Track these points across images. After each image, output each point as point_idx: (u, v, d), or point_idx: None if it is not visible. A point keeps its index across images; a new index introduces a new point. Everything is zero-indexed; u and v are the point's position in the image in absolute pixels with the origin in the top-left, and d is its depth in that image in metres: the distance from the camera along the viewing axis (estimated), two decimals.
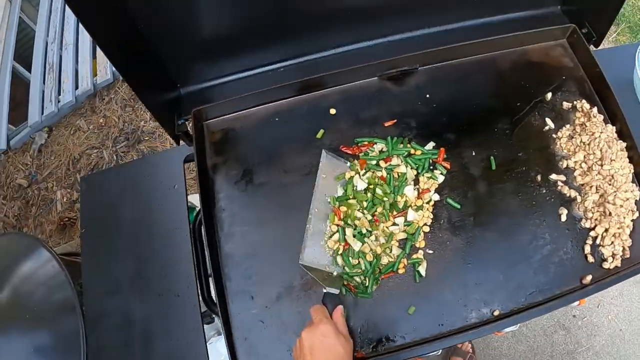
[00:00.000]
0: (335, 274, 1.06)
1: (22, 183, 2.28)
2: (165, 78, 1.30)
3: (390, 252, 1.10)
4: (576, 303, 1.25)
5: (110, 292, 1.19)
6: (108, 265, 1.23)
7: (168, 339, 1.11)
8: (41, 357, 1.33)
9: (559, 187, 1.20)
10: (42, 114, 2.28)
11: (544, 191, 1.19)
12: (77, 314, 1.28)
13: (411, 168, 1.17)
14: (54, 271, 1.40)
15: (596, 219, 1.17)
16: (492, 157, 1.20)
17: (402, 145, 1.19)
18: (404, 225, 1.12)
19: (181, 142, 1.34)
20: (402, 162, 1.17)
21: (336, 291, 0.92)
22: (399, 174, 1.15)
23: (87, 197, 1.35)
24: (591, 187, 1.20)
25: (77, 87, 2.36)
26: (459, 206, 1.15)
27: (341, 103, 1.28)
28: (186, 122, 1.31)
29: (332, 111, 1.27)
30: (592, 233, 1.16)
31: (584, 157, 1.24)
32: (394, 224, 1.12)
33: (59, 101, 2.33)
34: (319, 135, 1.25)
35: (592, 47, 1.39)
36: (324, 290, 1.02)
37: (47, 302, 1.40)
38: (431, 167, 1.19)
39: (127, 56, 1.11)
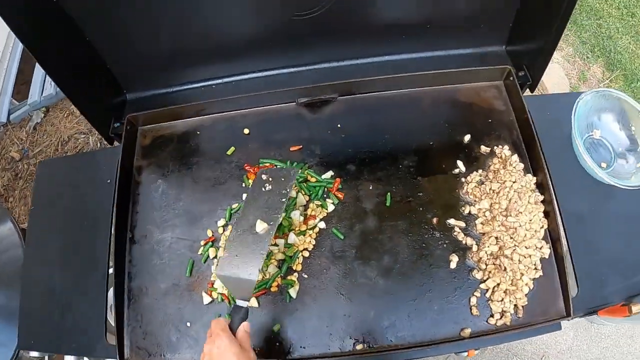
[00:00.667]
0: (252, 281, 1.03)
1: (15, 156, 2.48)
2: (111, 84, 1.40)
3: (267, 269, 1.14)
4: (464, 354, 1.24)
5: (43, 263, 1.30)
6: (45, 240, 1.34)
7: (79, 312, 1.21)
8: None
9: (455, 233, 1.19)
10: (42, 94, 2.47)
11: (438, 235, 1.18)
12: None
13: (303, 194, 1.20)
14: (14, 242, 1.58)
15: (489, 272, 1.15)
16: (389, 194, 1.21)
17: (300, 170, 1.22)
18: (284, 247, 1.15)
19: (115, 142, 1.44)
20: (295, 186, 1.20)
21: (244, 303, 0.96)
22: (290, 198, 1.19)
23: (41, 179, 1.47)
24: (490, 237, 1.18)
25: None
26: (342, 237, 1.17)
27: (256, 124, 1.34)
28: (122, 125, 1.40)
29: (246, 131, 1.33)
30: (482, 285, 1.13)
31: (490, 205, 1.22)
32: (275, 244, 1.15)
33: None
34: (229, 152, 1.30)
35: (528, 92, 1.37)
36: (233, 304, 1.03)
37: (3, 269, 1.57)
38: (325, 196, 1.22)
39: (70, 67, 1.22)
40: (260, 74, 1.40)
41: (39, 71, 2.51)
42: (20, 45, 2.52)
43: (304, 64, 1.36)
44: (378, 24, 1.30)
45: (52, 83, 2.49)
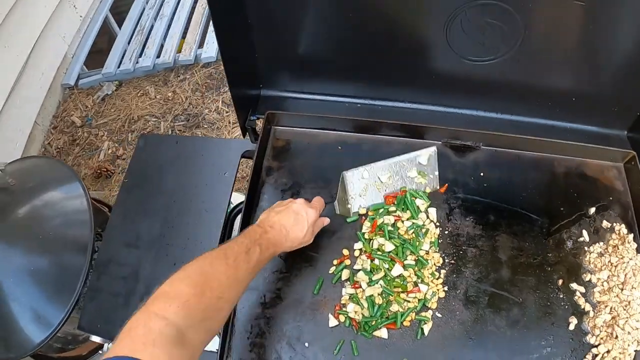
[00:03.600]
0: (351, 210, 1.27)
1: (76, 122, 2.46)
2: (252, 75, 1.45)
3: (403, 303, 1.19)
4: None
5: (129, 244, 1.28)
6: (135, 220, 1.32)
7: None
8: (34, 280, 1.38)
9: (576, 297, 1.27)
10: (118, 67, 2.48)
11: (561, 296, 1.26)
12: (86, 257, 1.35)
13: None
14: (81, 208, 1.48)
15: (602, 338, 1.24)
16: (523, 248, 1.29)
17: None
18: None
19: (246, 136, 1.47)
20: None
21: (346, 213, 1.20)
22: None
23: (141, 152, 1.48)
24: (606, 306, 1.27)
25: (158, 57, 2.56)
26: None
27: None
28: (257, 120, 1.44)
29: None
30: (594, 350, 1.22)
31: (608, 276, 1.32)
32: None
33: (137, 62, 2.53)
34: None
35: None
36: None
37: (63, 233, 1.47)
38: None
39: (233, 43, 1.27)
40: (406, 105, 1.48)
41: (119, 44, 2.54)
42: (102, 17, 2.55)
43: (453, 106, 1.46)
44: (533, 86, 1.41)
45: (132, 59, 2.52)
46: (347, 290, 1.21)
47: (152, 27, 2.61)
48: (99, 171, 2.31)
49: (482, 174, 1.40)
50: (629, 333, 1.25)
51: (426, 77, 1.41)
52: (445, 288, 1.23)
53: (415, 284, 1.21)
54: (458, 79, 1.39)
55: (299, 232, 1.10)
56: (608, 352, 1.22)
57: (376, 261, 1.21)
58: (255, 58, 1.41)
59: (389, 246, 1.23)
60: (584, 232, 1.36)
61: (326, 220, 1.22)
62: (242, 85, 1.42)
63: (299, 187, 1.36)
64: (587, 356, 1.21)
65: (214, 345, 1.13)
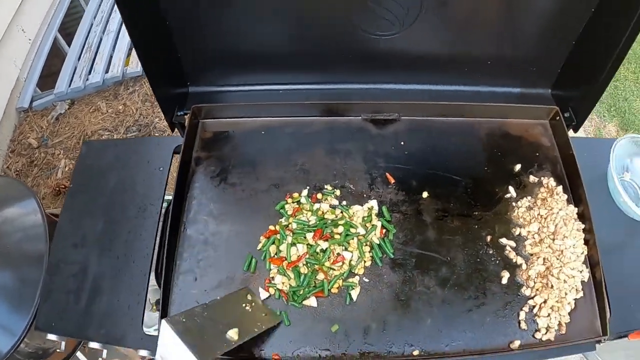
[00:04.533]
0: None
1: (33, 143, 2.49)
2: (178, 75, 1.49)
3: (328, 271, 1.21)
4: None
5: (76, 244, 1.31)
6: (81, 222, 1.36)
7: (112, 298, 1.23)
8: None
9: (507, 252, 1.29)
10: (69, 86, 2.52)
11: (491, 252, 1.28)
12: (42, 268, 1.40)
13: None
14: (37, 222, 1.52)
15: (537, 289, 1.26)
16: (448, 209, 1.31)
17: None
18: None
19: (176, 132, 1.50)
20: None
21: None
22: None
23: (84, 158, 1.51)
24: (538, 257, 1.29)
25: (107, 72, 2.60)
26: (392, 255, 1.26)
27: (323, 132, 1.44)
28: (185, 115, 1.48)
29: (313, 137, 1.42)
30: (530, 301, 1.24)
31: (538, 228, 1.34)
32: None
33: (87, 79, 2.58)
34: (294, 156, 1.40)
35: (571, 132, 1.52)
36: None
37: (20, 248, 1.52)
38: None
39: (151, 46, 1.30)
40: (327, 86, 1.51)
41: (69, 63, 2.58)
42: (52, 38, 2.60)
43: (372, 82, 1.49)
44: (444, 54, 1.45)
45: (82, 76, 2.56)
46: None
47: (100, 43, 2.66)
48: (57, 189, 2.33)
49: (402, 142, 1.43)
50: (565, 281, 1.27)
51: (343, 57, 1.44)
52: (372, 254, 1.25)
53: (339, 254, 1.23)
54: (373, 55, 1.42)
55: None
56: (545, 302, 1.24)
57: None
58: (179, 58, 1.45)
59: (312, 220, 1.25)
60: (510, 189, 1.38)
61: None
62: (166, 85, 1.46)
63: (226, 173, 1.39)
64: (523, 308, 1.22)
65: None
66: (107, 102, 2.65)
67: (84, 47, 2.67)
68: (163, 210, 1.39)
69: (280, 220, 1.29)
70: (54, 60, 2.65)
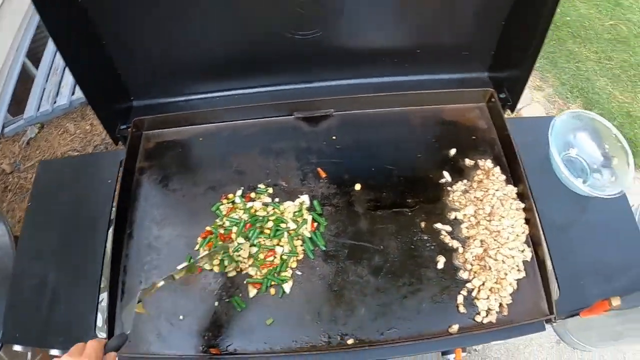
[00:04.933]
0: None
1: (6, 169, 2.56)
2: (120, 91, 1.53)
3: (259, 269, 1.23)
4: (452, 356, 1.32)
5: (35, 258, 1.36)
6: (40, 237, 1.41)
7: (69, 306, 1.26)
8: None
9: (442, 237, 1.30)
10: (38, 110, 2.58)
11: (426, 237, 1.29)
12: (7, 285, 1.45)
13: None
14: (3, 244, 1.58)
15: (475, 272, 1.26)
16: (380, 199, 1.33)
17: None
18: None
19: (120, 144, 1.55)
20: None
21: (125, 333, 0.96)
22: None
23: (41, 177, 1.56)
24: (475, 240, 1.30)
25: (73, 93, 2.66)
26: (323, 247, 1.28)
27: (258, 133, 1.47)
28: (128, 128, 1.51)
29: (248, 139, 1.45)
30: (468, 285, 1.24)
31: (475, 211, 1.34)
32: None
33: (55, 102, 2.64)
34: (230, 158, 1.43)
35: (509, 113, 1.54)
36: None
37: None
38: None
39: (87, 68, 1.34)
40: (262, 89, 1.55)
41: (37, 87, 2.64)
42: (20, 63, 2.68)
43: (303, 81, 1.52)
44: (372, 48, 1.47)
45: (49, 100, 2.62)
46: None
47: (65, 65, 2.71)
48: None
49: (334, 137, 1.45)
50: (503, 262, 1.27)
51: (276, 60, 1.47)
52: (304, 248, 1.27)
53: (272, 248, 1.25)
54: (305, 55, 1.44)
55: None
56: (483, 284, 1.24)
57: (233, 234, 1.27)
58: (119, 75, 1.49)
59: (245, 218, 1.28)
60: (445, 174, 1.39)
61: (113, 356, 0.95)
62: (108, 103, 1.50)
63: (167, 180, 1.42)
64: (461, 292, 1.23)
65: None
66: (74, 123, 2.71)
67: (50, 70, 2.74)
68: (111, 220, 1.44)
69: (216, 220, 1.32)
70: (24, 85, 2.71)
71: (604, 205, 1.38)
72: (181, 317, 1.20)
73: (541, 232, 1.29)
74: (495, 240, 1.30)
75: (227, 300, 1.21)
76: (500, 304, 1.22)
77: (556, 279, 1.27)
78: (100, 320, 1.27)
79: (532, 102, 3.08)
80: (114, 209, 1.45)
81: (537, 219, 1.30)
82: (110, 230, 1.41)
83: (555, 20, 3.38)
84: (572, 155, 1.54)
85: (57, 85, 2.66)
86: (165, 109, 1.59)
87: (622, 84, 3.14)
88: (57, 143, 2.63)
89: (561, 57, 3.21)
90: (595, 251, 1.33)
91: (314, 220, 1.29)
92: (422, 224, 1.31)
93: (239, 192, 1.36)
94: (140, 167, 1.47)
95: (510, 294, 1.22)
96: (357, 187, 1.36)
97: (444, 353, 1.31)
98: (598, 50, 3.27)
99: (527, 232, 1.32)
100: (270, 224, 1.28)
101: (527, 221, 1.33)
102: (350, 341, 1.15)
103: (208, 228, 1.31)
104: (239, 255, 1.25)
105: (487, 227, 1.32)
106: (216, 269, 1.24)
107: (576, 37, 3.32)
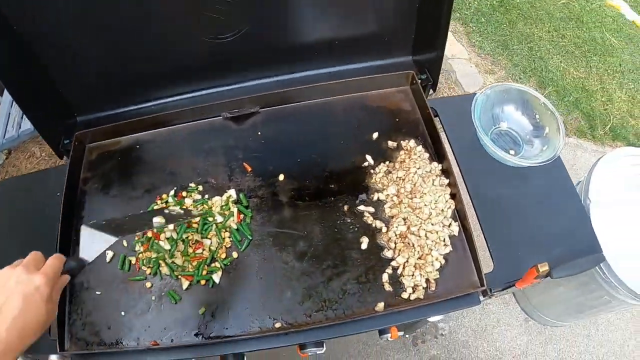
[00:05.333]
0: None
1: None
2: (64, 108, 1.60)
3: (189, 263, 1.29)
4: (388, 335, 1.35)
5: None
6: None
7: None
8: None
9: (365, 218, 1.35)
10: (4, 137, 2.66)
11: (349, 220, 1.35)
12: None
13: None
14: None
15: (399, 249, 1.30)
16: (304, 187, 1.39)
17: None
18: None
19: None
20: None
21: (85, 261, 0.95)
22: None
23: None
24: (398, 218, 1.34)
25: None
26: (250, 237, 1.34)
27: (189, 136, 1.54)
28: (71, 143, 1.58)
29: (181, 142, 1.53)
30: (393, 263, 1.28)
31: (397, 190, 1.39)
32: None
33: (20, 127, 2.72)
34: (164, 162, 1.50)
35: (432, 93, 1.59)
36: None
37: None
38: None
39: (27, 88, 1.41)
40: (195, 94, 1.62)
41: (2, 113, 2.71)
42: None
43: (230, 83, 1.59)
44: (296, 43, 1.54)
45: (14, 125, 2.70)
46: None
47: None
48: None
49: (259, 133, 1.51)
50: (427, 237, 1.31)
51: (202, 66, 1.55)
52: (232, 239, 1.32)
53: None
54: (223, 57, 1.51)
55: (35, 320, 0.81)
56: (407, 260, 1.28)
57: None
58: (61, 93, 1.56)
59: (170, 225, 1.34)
60: (368, 157, 1.45)
61: (66, 278, 0.93)
62: (52, 120, 1.56)
63: (108, 188, 1.48)
64: (386, 270, 1.27)
65: None
66: (40, 147, 2.78)
67: None
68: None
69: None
70: None
71: (541, 175, 1.43)
72: (122, 313, 1.25)
73: (467, 207, 1.32)
74: (417, 217, 1.34)
75: (162, 293, 1.27)
76: (427, 280, 1.26)
77: (490, 251, 1.31)
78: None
79: (483, 87, 3.13)
80: None
81: (462, 194, 1.35)
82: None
83: (504, 3, 3.47)
84: (503, 129, 1.58)
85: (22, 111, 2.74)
86: (106, 121, 1.65)
87: (576, 60, 3.19)
88: (24, 167, 2.70)
89: (513, 40, 3.27)
90: (532, 222, 1.37)
91: (239, 212, 1.35)
92: (345, 208, 1.36)
93: (172, 192, 1.42)
94: (84, 177, 1.53)
95: (438, 269, 1.27)
96: (281, 177, 1.42)
97: (380, 333, 1.34)
98: (550, 30, 3.33)
99: (453, 207, 1.36)
100: (197, 218, 1.33)
101: (453, 196, 1.37)
102: (277, 324, 1.20)
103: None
104: (173, 262, 1.30)
105: (410, 204, 1.36)
106: (148, 271, 1.30)
107: (527, 18, 3.38)
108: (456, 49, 3.16)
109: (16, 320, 0.78)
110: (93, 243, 0.99)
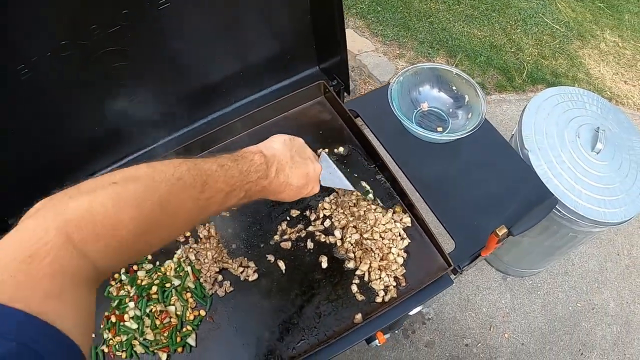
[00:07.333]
0: None
1: None
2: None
3: (158, 334, 1.26)
4: (376, 341, 1.36)
5: None
6: None
7: None
8: None
9: (317, 237, 1.36)
10: None
11: (302, 244, 1.35)
12: None
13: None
14: None
15: (359, 257, 1.32)
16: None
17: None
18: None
19: None
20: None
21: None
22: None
23: None
24: (349, 228, 1.36)
25: None
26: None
27: None
28: None
29: None
30: (357, 272, 1.30)
31: (338, 201, 1.40)
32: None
33: None
34: None
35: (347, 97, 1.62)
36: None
37: None
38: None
39: None
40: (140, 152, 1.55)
41: None
42: None
43: (148, 144, 1.53)
44: (197, 88, 1.51)
45: None
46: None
47: None
48: None
49: None
50: (382, 238, 1.33)
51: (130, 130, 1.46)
52: (194, 299, 1.30)
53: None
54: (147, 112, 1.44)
55: (298, 193, 1.00)
56: (370, 266, 1.29)
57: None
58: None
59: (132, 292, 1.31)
60: None
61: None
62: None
63: None
64: (353, 281, 1.28)
65: None
66: None
67: None
68: None
69: (111, 303, 1.32)
70: None
71: (475, 142, 1.48)
72: None
73: (413, 195, 1.36)
74: (364, 222, 1.35)
75: None
76: (396, 277, 1.28)
77: (447, 230, 1.34)
78: None
79: (397, 72, 3.22)
80: None
81: (403, 184, 1.38)
82: None
83: None
84: (425, 110, 1.63)
85: None
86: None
87: (477, 20, 3.35)
88: None
89: (412, 19, 3.39)
90: (479, 189, 1.42)
91: (192, 271, 1.33)
92: (293, 235, 1.36)
93: (122, 270, 1.37)
94: None
95: (402, 265, 1.29)
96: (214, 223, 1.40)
97: (368, 341, 1.35)
98: (447, 1, 3.47)
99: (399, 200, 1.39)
100: (154, 289, 1.30)
101: (396, 189, 1.40)
102: None
103: (106, 313, 1.31)
104: (145, 339, 1.26)
105: (353, 212, 1.38)
106: (124, 355, 1.25)
107: None
108: (361, 44, 3.24)
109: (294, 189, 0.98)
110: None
